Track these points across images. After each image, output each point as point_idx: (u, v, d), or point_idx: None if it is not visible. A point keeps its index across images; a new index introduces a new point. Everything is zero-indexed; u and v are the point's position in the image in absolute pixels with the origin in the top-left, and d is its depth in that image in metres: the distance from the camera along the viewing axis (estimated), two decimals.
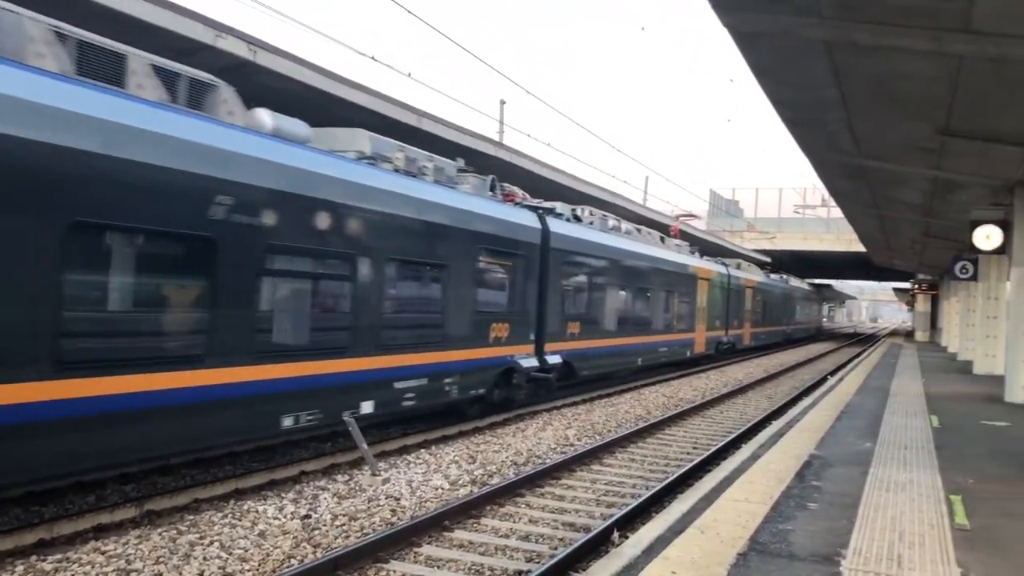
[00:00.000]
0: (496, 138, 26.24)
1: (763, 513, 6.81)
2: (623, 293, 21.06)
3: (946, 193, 18.43)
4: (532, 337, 15.78)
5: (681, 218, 38.69)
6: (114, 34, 9.19)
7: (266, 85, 13.10)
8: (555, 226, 16.71)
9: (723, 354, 32.54)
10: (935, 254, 32.98)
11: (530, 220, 15.80)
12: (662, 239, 26.28)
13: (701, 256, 31.02)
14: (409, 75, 17.08)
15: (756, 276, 39.33)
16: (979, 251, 15.68)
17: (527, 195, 17.31)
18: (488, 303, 14.09)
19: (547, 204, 17.64)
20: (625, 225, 22.37)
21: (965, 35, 8.31)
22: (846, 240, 46.67)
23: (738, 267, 37.02)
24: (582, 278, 18.56)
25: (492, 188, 15.44)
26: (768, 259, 52.51)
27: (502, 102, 30.98)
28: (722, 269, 32.34)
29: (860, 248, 42.21)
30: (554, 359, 16.52)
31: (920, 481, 8.31)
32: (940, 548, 6.01)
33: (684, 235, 35.52)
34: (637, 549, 5.79)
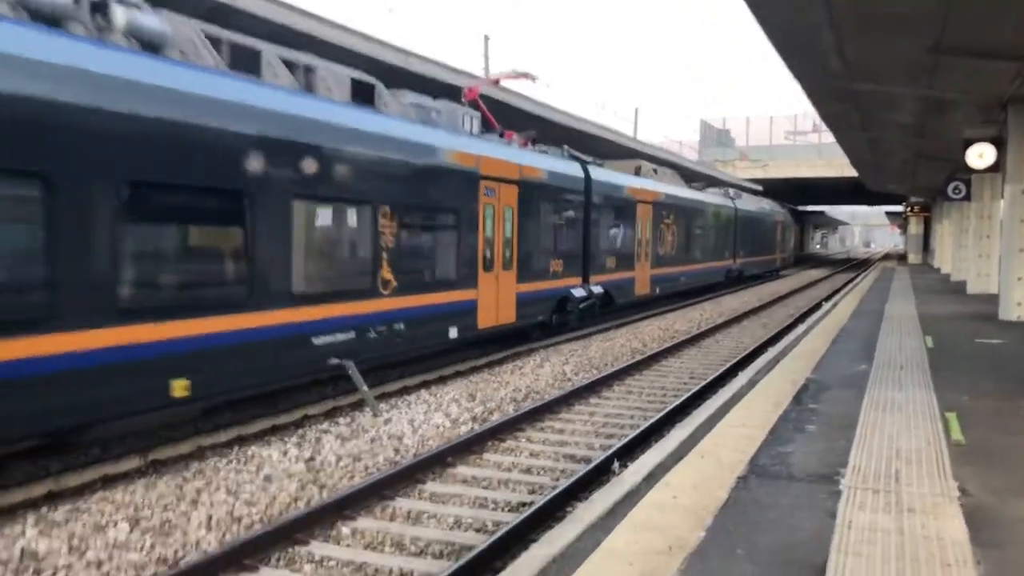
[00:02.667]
0: (481, 75, 25.87)
1: (761, 437, 6.90)
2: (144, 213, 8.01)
3: (938, 113, 18.29)
4: None
5: (502, 77, 20.28)
6: None
7: (245, 28, 12.82)
8: None
9: (583, 320, 18.64)
10: (927, 175, 32.89)
11: None
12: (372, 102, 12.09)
13: (533, 144, 17.88)
14: (391, 11, 16.73)
15: (661, 186, 24.91)
16: (972, 170, 15.61)
17: None
18: None
19: None
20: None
21: None
22: (838, 165, 46.42)
23: (637, 172, 24.09)
24: None
25: None
26: (759, 187, 52.30)
27: (486, 37, 30.50)
28: (568, 169, 17.99)
29: (852, 173, 42.04)
30: None
31: (916, 400, 8.40)
32: (937, 463, 6.10)
33: (496, 106, 19.63)
34: (638, 476, 5.87)
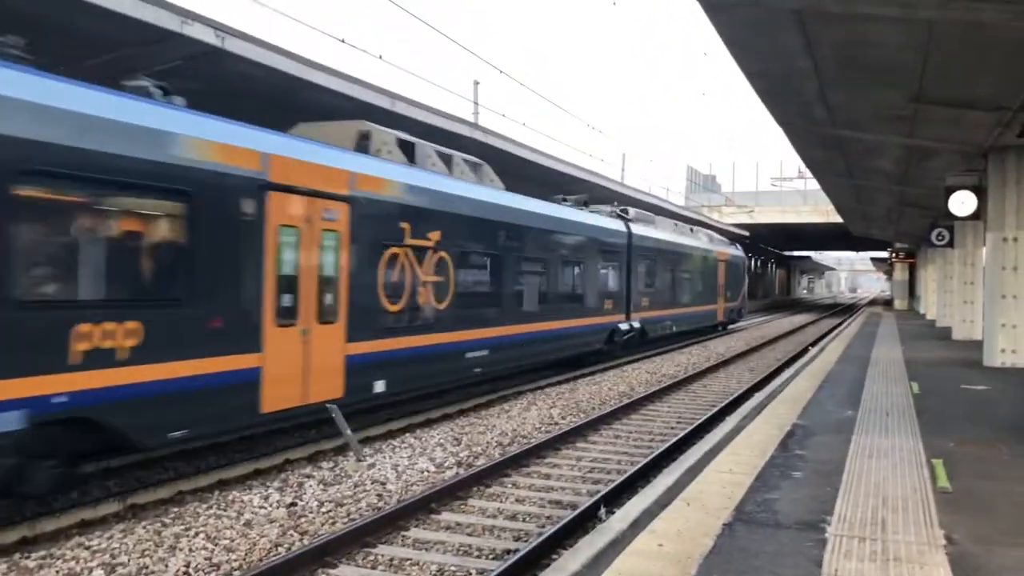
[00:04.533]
0: (471, 119, 26.07)
1: (748, 483, 6.85)
2: None
3: (920, 160, 18.54)
4: None
5: None
6: (70, 19, 9.00)
7: (235, 72, 12.93)
8: None
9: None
10: (911, 222, 33.25)
11: None
12: None
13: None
14: (380, 57, 16.91)
15: (398, 172, 12.11)
16: (955, 217, 15.80)
17: None
18: None
19: None
20: None
21: (934, 0, 8.31)
22: (823, 211, 46.95)
23: (361, 144, 12.29)
24: None
25: None
26: (746, 233, 52.73)
27: (476, 83, 30.82)
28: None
29: (838, 219, 42.48)
30: None
31: (902, 447, 8.38)
32: (923, 511, 6.06)
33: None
34: (624, 523, 5.80)
